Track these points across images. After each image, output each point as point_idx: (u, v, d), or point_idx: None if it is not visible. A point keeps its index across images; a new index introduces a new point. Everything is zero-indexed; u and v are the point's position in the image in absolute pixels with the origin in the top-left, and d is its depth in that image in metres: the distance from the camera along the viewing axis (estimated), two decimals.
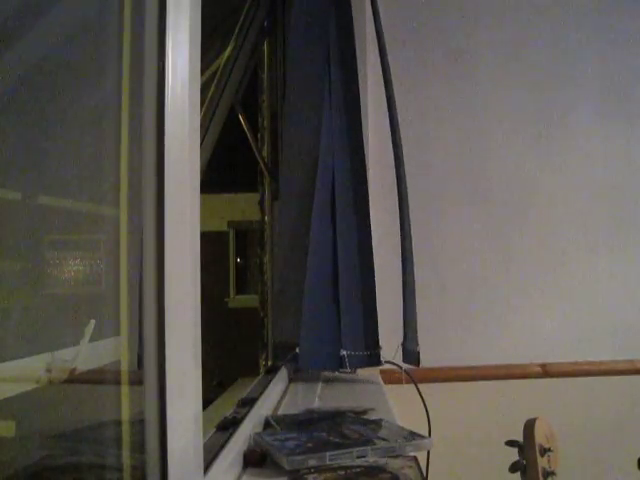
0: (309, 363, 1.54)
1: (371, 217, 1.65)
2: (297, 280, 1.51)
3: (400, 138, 1.60)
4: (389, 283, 1.72)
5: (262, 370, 1.78)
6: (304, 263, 1.51)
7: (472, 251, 2.07)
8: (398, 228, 1.65)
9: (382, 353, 1.58)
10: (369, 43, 1.96)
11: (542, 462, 0.84)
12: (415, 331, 1.61)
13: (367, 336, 1.57)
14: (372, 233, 1.63)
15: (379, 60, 1.64)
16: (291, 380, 1.66)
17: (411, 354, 1.57)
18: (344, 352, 1.50)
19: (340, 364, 1.52)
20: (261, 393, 1.32)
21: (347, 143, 1.62)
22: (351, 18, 1.64)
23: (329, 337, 1.52)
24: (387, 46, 1.68)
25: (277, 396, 1.44)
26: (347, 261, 1.56)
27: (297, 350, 1.48)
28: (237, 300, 4.98)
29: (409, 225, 1.61)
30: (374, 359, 1.57)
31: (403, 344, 1.58)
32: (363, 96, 1.78)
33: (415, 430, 1.00)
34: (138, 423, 0.62)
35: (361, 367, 1.61)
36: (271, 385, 1.44)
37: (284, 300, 1.59)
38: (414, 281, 1.64)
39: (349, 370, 1.54)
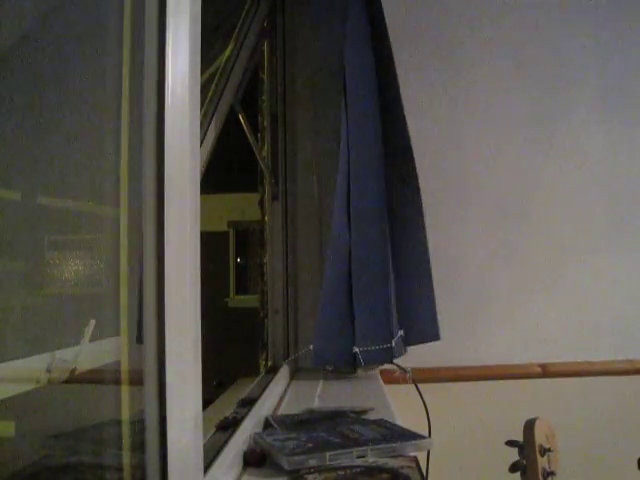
0: (322, 360, 1.55)
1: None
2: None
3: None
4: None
5: (262, 370, 1.78)
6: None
7: (472, 251, 2.07)
8: None
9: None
10: None
11: (542, 462, 0.84)
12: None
13: (380, 332, 1.58)
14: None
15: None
16: (291, 380, 1.66)
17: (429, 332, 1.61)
18: (357, 349, 1.51)
19: (353, 361, 1.53)
20: (261, 393, 1.32)
21: (364, 139, 1.63)
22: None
23: (344, 335, 1.53)
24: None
25: (277, 396, 1.44)
26: (363, 257, 1.57)
27: (310, 347, 1.50)
28: (237, 300, 4.98)
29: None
30: (386, 354, 1.58)
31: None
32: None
33: (415, 430, 1.00)
34: (138, 423, 0.62)
35: (372, 364, 1.63)
36: (271, 385, 1.44)
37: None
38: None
39: (362, 365, 1.55)
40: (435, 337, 1.68)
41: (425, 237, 1.70)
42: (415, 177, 1.70)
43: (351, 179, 1.58)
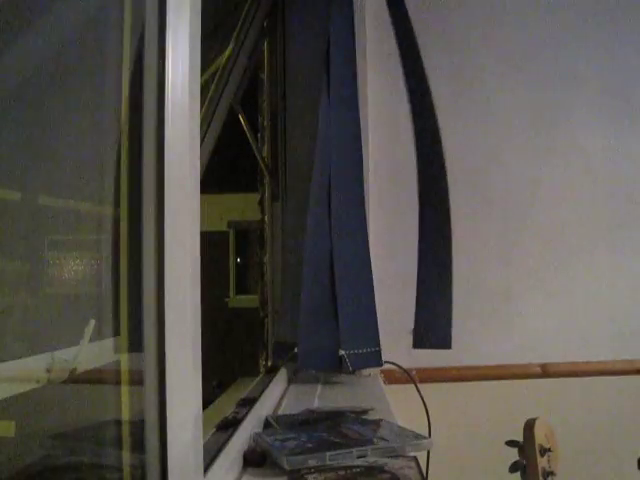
0: (308, 363, 1.53)
1: (368, 213, 1.65)
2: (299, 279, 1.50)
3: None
4: (387, 281, 1.72)
5: (262, 370, 1.78)
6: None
7: (472, 251, 2.07)
8: (396, 223, 1.66)
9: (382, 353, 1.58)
10: (369, 39, 1.96)
11: (542, 462, 0.84)
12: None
13: (366, 334, 1.56)
14: (369, 229, 1.64)
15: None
16: (291, 380, 1.66)
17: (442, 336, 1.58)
18: (343, 352, 1.49)
19: (339, 364, 1.50)
20: (261, 393, 1.32)
21: (344, 139, 1.61)
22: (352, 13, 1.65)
23: (328, 337, 1.50)
24: (383, 47, 1.70)
25: (277, 396, 1.44)
26: (344, 259, 1.55)
27: (296, 350, 1.47)
28: (237, 300, 4.99)
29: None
30: (374, 358, 1.55)
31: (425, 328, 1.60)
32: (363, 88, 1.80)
33: (415, 430, 1.00)
34: (138, 423, 0.62)
35: (361, 368, 1.60)
36: (271, 385, 1.44)
37: (287, 299, 1.58)
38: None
39: (350, 369, 1.52)
40: (445, 345, 1.63)
41: (450, 244, 1.65)
42: (445, 180, 1.66)
43: (331, 178, 1.54)
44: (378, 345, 1.55)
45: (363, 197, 1.62)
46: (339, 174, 1.56)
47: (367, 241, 1.61)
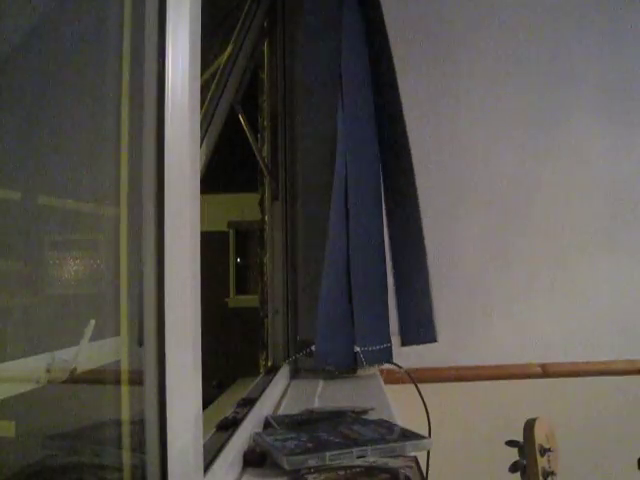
0: (325, 360, 1.56)
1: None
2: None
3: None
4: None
5: (262, 370, 1.78)
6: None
7: (472, 251, 2.07)
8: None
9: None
10: None
11: (542, 462, 0.84)
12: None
13: (380, 332, 1.59)
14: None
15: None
16: (291, 380, 1.66)
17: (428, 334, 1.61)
18: (357, 348, 1.52)
19: (354, 361, 1.53)
20: (261, 393, 1.32)
21: (361, 137, 1.62)
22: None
23: (345, 335, 1.53)
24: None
25: (277, 396, 1.44)
26: (360, 257, 1.57)
27: (312, 347, 1.51)
28: (237, 300, 4.99)
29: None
30: (386, 354, 1.58)
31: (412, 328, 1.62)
32: None
33: (415, 430, 1.00)
34: (138, 423, 0.62)
35: (374, 363, 1.63)
36: (271, 385, 1.44)
37: (309, 298, 1.61)
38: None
39: (364, 365, 1.55)
40: (432, 339, 1.67)
41: (422, 237, 1.69)
42: (412, 177, 1.69)
43: (348, 180, 1.57)
44: (389, 341, 1.59)
45: (380, 197, 1.65)
46: (357, 177, 1.59)
47: (383, 241, 1.64)
